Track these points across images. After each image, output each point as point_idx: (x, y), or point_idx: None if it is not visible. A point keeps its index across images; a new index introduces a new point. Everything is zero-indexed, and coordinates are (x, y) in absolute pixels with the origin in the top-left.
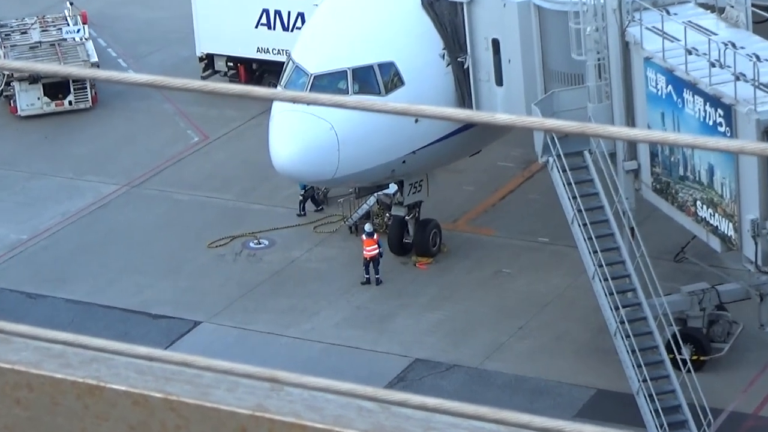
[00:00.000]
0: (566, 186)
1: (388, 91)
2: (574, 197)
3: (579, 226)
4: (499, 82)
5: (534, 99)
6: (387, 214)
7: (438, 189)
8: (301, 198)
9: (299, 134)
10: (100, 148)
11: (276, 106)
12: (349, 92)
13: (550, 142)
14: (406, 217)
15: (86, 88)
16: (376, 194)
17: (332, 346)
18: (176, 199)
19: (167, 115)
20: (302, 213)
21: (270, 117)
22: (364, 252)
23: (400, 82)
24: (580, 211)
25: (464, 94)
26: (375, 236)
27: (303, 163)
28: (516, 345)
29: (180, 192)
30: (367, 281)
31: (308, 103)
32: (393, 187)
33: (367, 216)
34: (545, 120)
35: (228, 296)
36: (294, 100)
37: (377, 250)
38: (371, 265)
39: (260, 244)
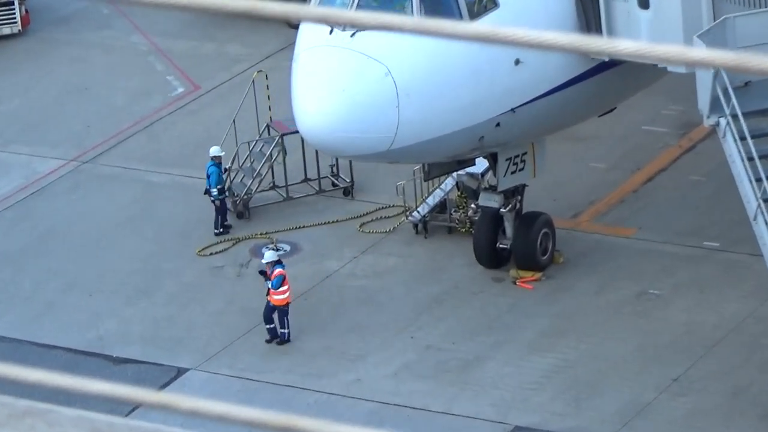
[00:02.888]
0: (747, 162)
1: (474, 16)
2: (759, 180)
3: (767, 223)
4: (644, 1)
5: (698, 28)
6: (472, 206)
7: (551, 167)
8: (213, 202)
9: (338, 83)
10: (33, 102)
11: (303, 39)
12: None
13: (722, 96)
14: (502, 210)
15: (12, 2)
16: (455, 175)
17: (387, 406)
18: (150, 182)
19: (137, 52)
20: (220, 229)
21: (294, 56)
22: (271, 297)
23: (492, 2)
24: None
25: (590, 21)
26: (281, 269)
27: (344, 128)
28: (670, 405)
29: (156, 170)
30: (273, 339)
31: (347, 28)
32: (481, 164)
33: (442, 207)
34: (713, 53)
35: (228, 330)
36: (328, 23)
37: (287, 294)
38: (277, 315)
39: (278, 250)
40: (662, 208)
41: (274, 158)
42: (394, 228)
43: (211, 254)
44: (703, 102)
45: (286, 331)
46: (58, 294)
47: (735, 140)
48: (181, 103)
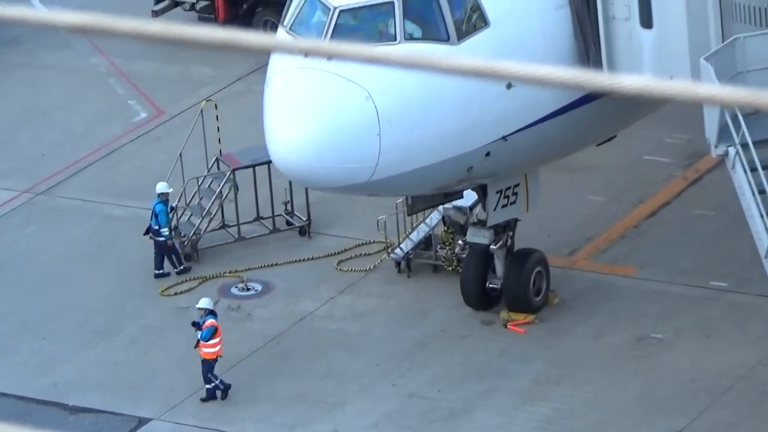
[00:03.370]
0: (758, 196)
1: (462, 35)
2: None
3: None
4: (647, 21)
5: (705, 49)
6: (460, 242)
7: (545, 200)
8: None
9: (314, 108)
10: None
11: (276, 60)
12: (398, 37)
13: (731, 123)
14: (492, 247)
15: None
16: (441, 208)
17: None
18: (109, 215)
19: (97, 74)
20: (161, 270)
21: (267, 79)
22: (200, 349)
23: (482, 20)
24: None
25: (588, 42)
26: (214, 320)
27: (320, 158)
28: None
29: (116, 203)
30: (211, 395)
31: (330, 58)
32: (470, 197)
33: (427, 244)
34: (724, 89)
35: (194, 377)
36: (308, 54)
37: (218, 347)
38: (203, 368)
39: (248, 289)
40: (666, 245)
41: (225, 195)
42: (374, 266)
43: (175, 294)
44: (711, 130)
45: (211, 386)
46: (8, 337)
47: (745, 171)
48: (143, 129)
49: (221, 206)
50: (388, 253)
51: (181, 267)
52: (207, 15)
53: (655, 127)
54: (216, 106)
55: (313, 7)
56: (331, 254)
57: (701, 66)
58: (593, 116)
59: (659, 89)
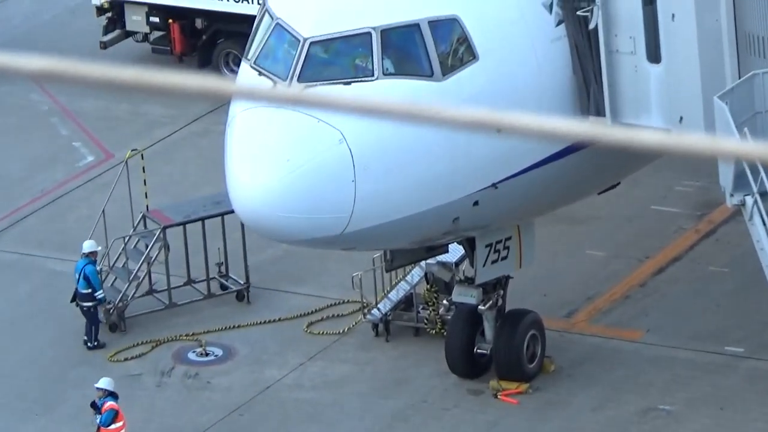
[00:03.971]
0: None
1: (447, 71)
2: None
3: None
4: (654, 55)
5: (719, 86)
6: (444, 302)
7: (540, 255)
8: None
9: (282, 151)
10: None
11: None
12: (375, 73)
13: (748, 170)
14: (481, 307)
15: None
16: (423, 264)
17: None
18: (53, 270)
19: (38, 113)
20: (94, 342)
21: (229, 119)
22: None
23: (470, 54)
24: None
25: (588, 77)
26: (114, 402)
27: (288, 207)
28: None
29: (60, 257)
30: None
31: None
32: (456, 252)
33: (407, 304)
34: (750, 145)
35: None
36: (275, 100)
37: None
38: None
39: (207, 354)
40: (675, 306)
41: (154, 257)
42: (348, 329)
43: (125, 360)
44: (726, 177)
45: None
46: None
47: (764, 223)
48: (90, 174)
49: (149, 269)
50: (364, 315)
51: (96, 343)
52: (162, 47)
53: (663, 173)
54: (142, 156)
55: (280, 38)
56: (300, 315)
57: (715, 105)
58: (593, 162)
59: (680, 145)
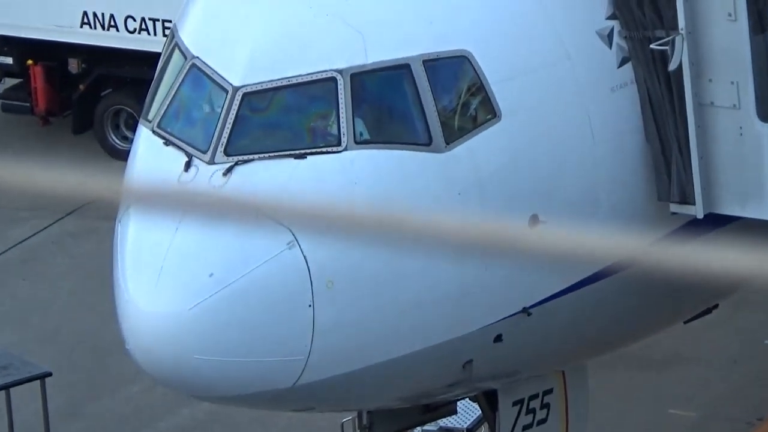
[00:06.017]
0: None
1: (452, 136)
2: None
3: None
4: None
5: None
6: None
7: (597, 416)
8: None
9: (202, 262)
10: None
11: (137, 177)
12: (343, 140)
13: None
14: None
15: None
16: (419, 430)
17: None
18: None
19: None
20: None
21: (119, 213)
22: None
23: (487, 110)
24: None
25: (668, 145)
26: None
27: (211, 346)
28: None
29: None
30: None
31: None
32: (469, 413)
33: None
34: None
35: None
36: (180, 202)
37: None
38: None
39: None
40: None
41: None
42: None
43: None
44: None
45: None
46: None
47: None
48: None
49: None
50: None
51: None
52: (17, 102)
53: None
54: None
55: (198, 88)
56: None
57: None
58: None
59: None
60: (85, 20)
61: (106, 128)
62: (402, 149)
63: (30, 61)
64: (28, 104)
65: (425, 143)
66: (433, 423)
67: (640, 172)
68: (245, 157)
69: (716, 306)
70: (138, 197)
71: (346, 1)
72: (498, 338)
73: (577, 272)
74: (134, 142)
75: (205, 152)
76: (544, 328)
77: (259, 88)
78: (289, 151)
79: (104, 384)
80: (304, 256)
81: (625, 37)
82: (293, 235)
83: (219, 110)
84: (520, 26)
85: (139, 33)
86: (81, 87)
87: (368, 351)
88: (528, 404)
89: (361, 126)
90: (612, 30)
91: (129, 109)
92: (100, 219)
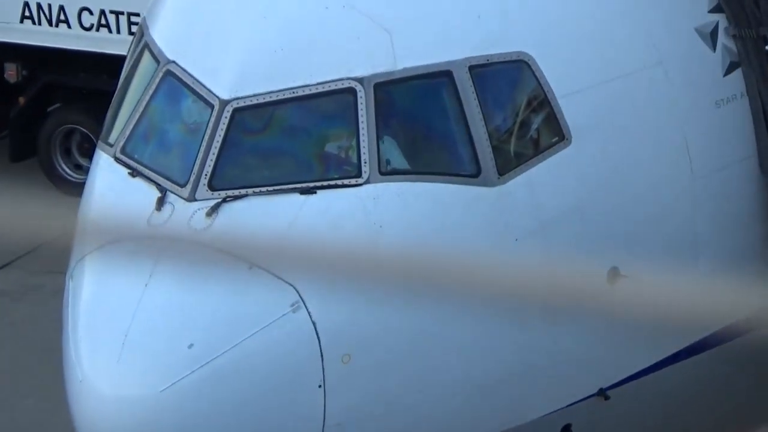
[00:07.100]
0: None
1: (508, 165)
2: None
3: None
4: None
5: None
6: None
7: None
8: None
9: (180, 329)
10: None
11: (91, 224)
12: (364, 170)
13: None
14: None
15: None
16: None
17: None
18: None
19: None
20: None
21: (72, 262)
22: None
23: (553, 132)
24: None
25: None
26: None
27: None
28: None
29: None
30: None
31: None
32: None
33: None
34: None
35: None
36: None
37: None
38: None
39: None
40: None
41: None
42: None
43: None
44: None
45: None
46: None
47: None
48: None
49: None
50: None
51: None
52: None
53: None
54: None
55: (174, 102)
56: None
57: None
58: None
59: None
60: (26, 14)
61: (54, 154)
62: (441, 182)
63: None
64: None
65: (472, 174)
66: None
67: (755, 211)
68: (236, 192)
69: None
70: (96, 244)
71: None
72: (566, 429)
73: (671, 342)
74: (91, 173)
75: (183, 186)
76: (625, 416)
77: (253, 102)
78: (293, 184)
79: None
80: (313, 322)
81: (734, 36)
82: (298, 293)
83: (202, 131)
84: (596, 22)
85: (98, 30)
86: (21, 100)
87: None
88: None
89: (387, 152)
90: (716, 27)
91: (84, 129)
92: (44, 273)
